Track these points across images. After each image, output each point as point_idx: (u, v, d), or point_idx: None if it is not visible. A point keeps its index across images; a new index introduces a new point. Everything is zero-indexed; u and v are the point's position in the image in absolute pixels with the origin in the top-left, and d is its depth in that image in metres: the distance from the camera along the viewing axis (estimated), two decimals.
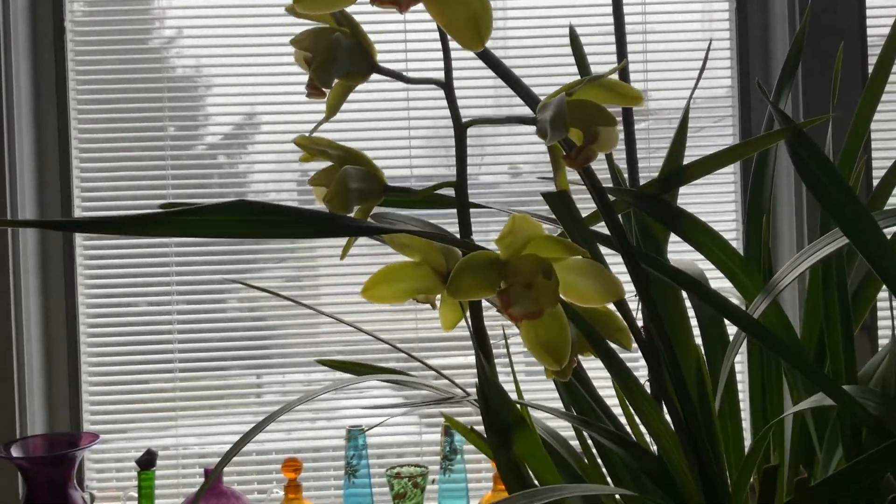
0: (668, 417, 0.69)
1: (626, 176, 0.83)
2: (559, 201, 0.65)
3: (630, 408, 0.71)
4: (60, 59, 1.59)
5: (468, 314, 0.71)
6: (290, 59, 0.67)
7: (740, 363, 1.11)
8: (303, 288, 1.71)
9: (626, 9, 0.79)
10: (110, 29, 1.62)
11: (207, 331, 1.63)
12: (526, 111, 0.67)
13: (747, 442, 0.81)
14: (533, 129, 0.62)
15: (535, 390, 1.55)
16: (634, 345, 0.71)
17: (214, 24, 1.63)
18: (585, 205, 0.71)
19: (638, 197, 0.74)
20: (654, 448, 0.72)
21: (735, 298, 0.82)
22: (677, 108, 1.66)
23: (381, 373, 0.89)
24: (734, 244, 0.77)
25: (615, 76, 0.62)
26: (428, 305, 0.76)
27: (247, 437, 0.66)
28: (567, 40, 0.84)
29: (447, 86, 0.65)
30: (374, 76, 0.66)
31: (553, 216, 0.70)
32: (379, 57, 0.68)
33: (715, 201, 1.65)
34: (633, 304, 0.70)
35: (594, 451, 0.79)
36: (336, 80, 0.64)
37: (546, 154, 0.68)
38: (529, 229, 0.63)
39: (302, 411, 1.63)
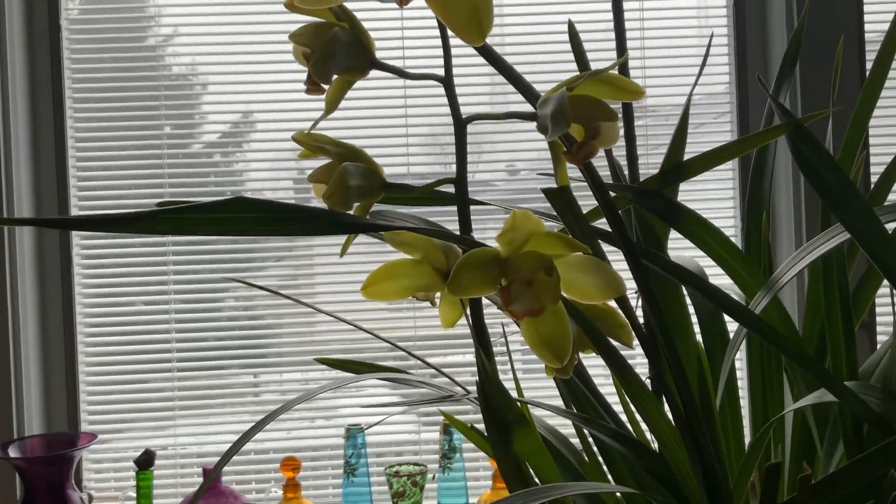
0: (668, 414, 0.69)
1: (626, 172, 0.82)
2: (560, 197, 0.65)
3: (631, 404, 0.71)
4: (56, 59, 1.58)
5: (468, 311, 0.70)
6: (286, 58, 0.66)
7: (740, 360, 1.11)
8: (300, 287, 1.70)
9: (623, 5, 0.78)
10: (106, 28, 1.61)
11: (205, 330, 1.62)
12: (524, 108, 0.67)
13: (747, 438, 0.81)
14: (530, 126, 0.61)
15: (535, 388, 1.55)
16: (635, 342, 0.70)
17: (210, 21, 1.62)
18: (585, 201, 0.70)
19: (638, 193, 0.74)
20: (655, 445, 0.72)
21: (735, 295, 0.82)
22: (675, 105, 1.66)
23: (381, 371, 0.89)
24: (733, 241, 0.77)
25: (615, 70, 0.62)
26: (427, 304, 0.76)
27: (245, 437, 0.66)
28: (565, 37, 0.83)
29: (447, 81, 0.65)
30: (373, 72, 0.66)
31: (553, 213, 0.70)
32: (377, 53, 0.68)
33: (713, 197, 1.65)
34: (634, 301, 0.70)
35: (594, 448, 0.79)
36: (335, 76, 0.64)
37: (543, 152, 0.68)
38: (530, 226, 0.62)
39: (300, 410, 1.62)
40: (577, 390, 0.78)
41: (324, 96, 0.65)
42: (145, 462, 1.43)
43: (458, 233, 0.67)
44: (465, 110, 0.66)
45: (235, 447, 0.65)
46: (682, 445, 0.67)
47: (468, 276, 0.62)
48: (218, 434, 1.63)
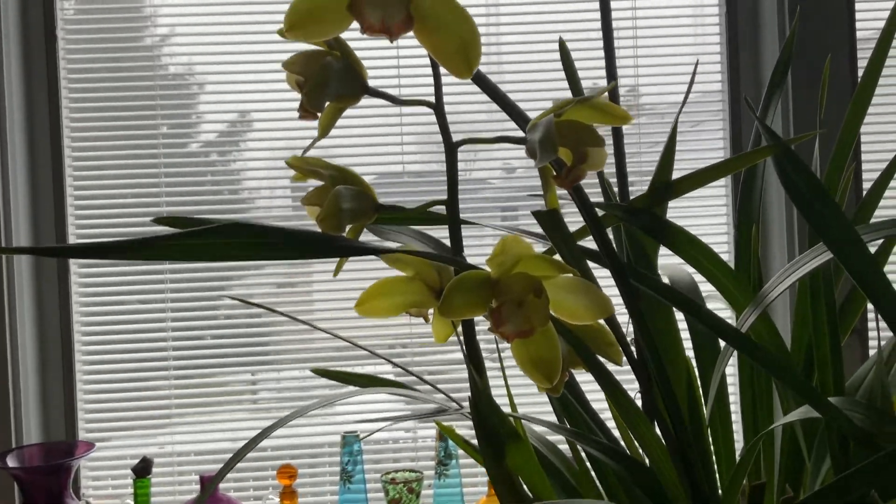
0: (658, 432, 0.70)
1: (616, 190, 0.83)
2: (550, 220, 0.66)
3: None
4: (52, 59, 1.59)
5: (460, 329, 0.71)
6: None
7: (732, 366, 1.12)
8: (297, 287, 1.71)
9: (616, 4, 0.79)
10: (102, 28, 1.62)
11: (202, 337, 1.63)
12: (518, 131, 0.68)
13: (739, 448, 0.82)
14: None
15: (529, 403, 1.56)
16: (624, 360, 0.71)
17: (207, 21, 1.63)
18: (574, 219, 0.71)
19: (628, 211, 0.75)
20: (647, 460, 0.73)
21: (723, 303, 0.82)
22: (668, 104, 1.67)
23: (378, 385, 0.90)
24: (725, 256, 0.78)
25: (605, 96, 0.63)
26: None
27: (241, 453, 0.67)
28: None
29: (438, 108, 0.66)
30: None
31: (542, 232, 0.71)
32: (371, 73, 0.69)
33: (706, 214, 1.65)
34: (623, 318, 0.71)
35: (588, 464, 0.80)
36: (328, 103, 0.65)
37: None
38: (519, 249, 0.63)
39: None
40: (569, 404, 0.79)
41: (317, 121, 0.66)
42: (143, 470, 1.43)
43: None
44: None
45: (231, 463, 0.66)
46: (671, 462, 0.68)
47: (460, 298, 0.63)
48: (216, 442, 1.64)
